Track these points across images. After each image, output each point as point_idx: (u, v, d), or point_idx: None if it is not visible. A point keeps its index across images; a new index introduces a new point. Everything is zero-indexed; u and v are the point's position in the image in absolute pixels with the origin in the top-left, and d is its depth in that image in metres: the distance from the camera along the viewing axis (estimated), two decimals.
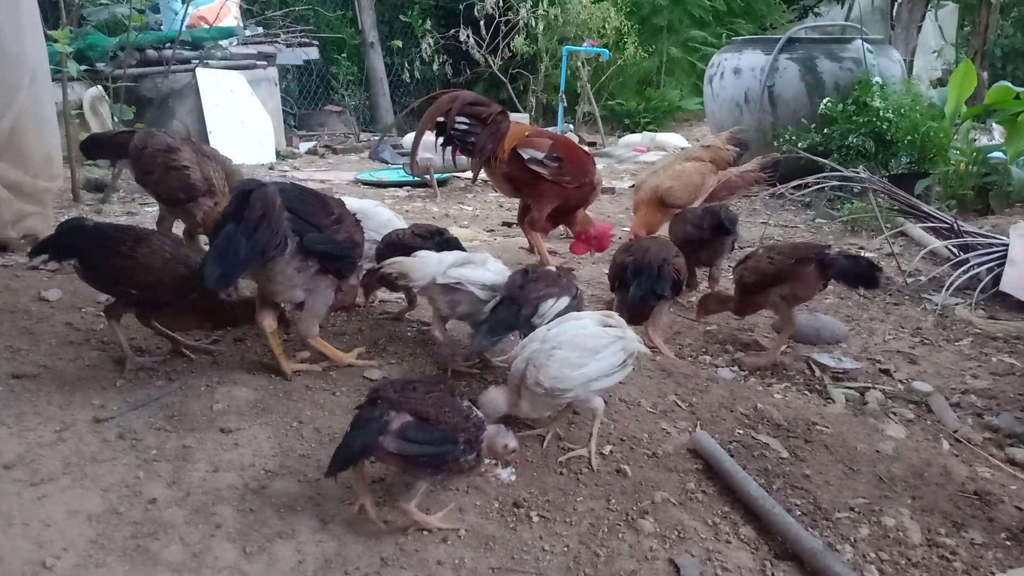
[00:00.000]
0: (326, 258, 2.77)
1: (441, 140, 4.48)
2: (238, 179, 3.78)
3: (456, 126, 4.37)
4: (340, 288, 2.95)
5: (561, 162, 4.49)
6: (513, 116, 4.77)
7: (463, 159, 4.88)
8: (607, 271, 3.92)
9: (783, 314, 3.62)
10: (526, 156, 4.44)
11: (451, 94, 4.45)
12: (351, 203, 3.39)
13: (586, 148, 10.54)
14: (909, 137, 6.89)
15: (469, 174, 7.14)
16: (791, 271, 3.50)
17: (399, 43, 12.41)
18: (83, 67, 6.84)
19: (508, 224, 6.29)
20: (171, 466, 2.33)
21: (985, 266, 4.57)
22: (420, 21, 12.32)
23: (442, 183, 7.73)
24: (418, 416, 2.10)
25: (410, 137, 8.14)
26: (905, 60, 9.86)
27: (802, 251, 3.54)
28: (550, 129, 10.26)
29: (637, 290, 3.48)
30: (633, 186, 5.39)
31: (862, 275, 3.50)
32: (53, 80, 4.77)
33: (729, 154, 5.36)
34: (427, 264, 3.07)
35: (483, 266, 3.09)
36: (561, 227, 5.34)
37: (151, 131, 3.73)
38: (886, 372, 3.65)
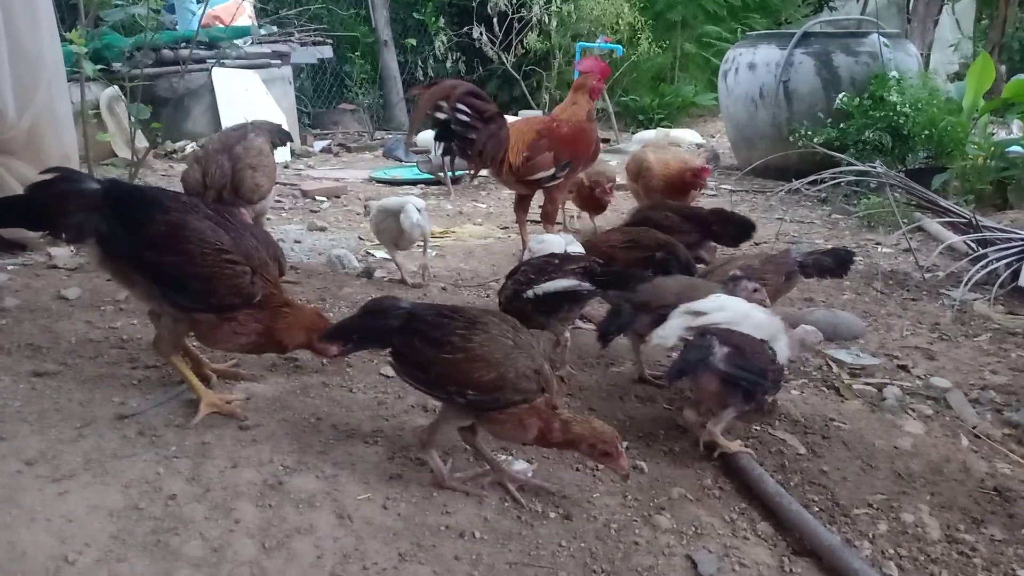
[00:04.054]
0: None
1: (442, 146, 4.29)
2: (240, 182, 3.76)
3: (458, 114, 4.12)
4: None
5: (571, 165, 4.41)
6: (526, 113, 4.71)
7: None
8: None
9: None
10: (539, 179, 4.36)
11: (452, 81, 4.28)
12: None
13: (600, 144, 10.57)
14: (926, 132, 6.84)
15: (484, 172, 7.11)
16: (784, 288, 3.51)
17: (413, 41, 12.41)
18: (99, 67, 6.89)
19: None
20: (191, 462, 2.35)
21: (1004, 261, 4.53)
22: (433, 19, 12.32)
23: (456, 180, 7.73)
24: (738, 349, 2.53)
25: (423, 136, 8.16)
26: (922, 54, 9.78)
27: (783, 265, 3.48)
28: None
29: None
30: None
31: (841, 263, 3.55)
32: (70, 81, 4.80)
33: None
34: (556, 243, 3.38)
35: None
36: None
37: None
38: (904, 368, 3.63)
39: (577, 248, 3.46)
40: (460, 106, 4.11)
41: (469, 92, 4.17)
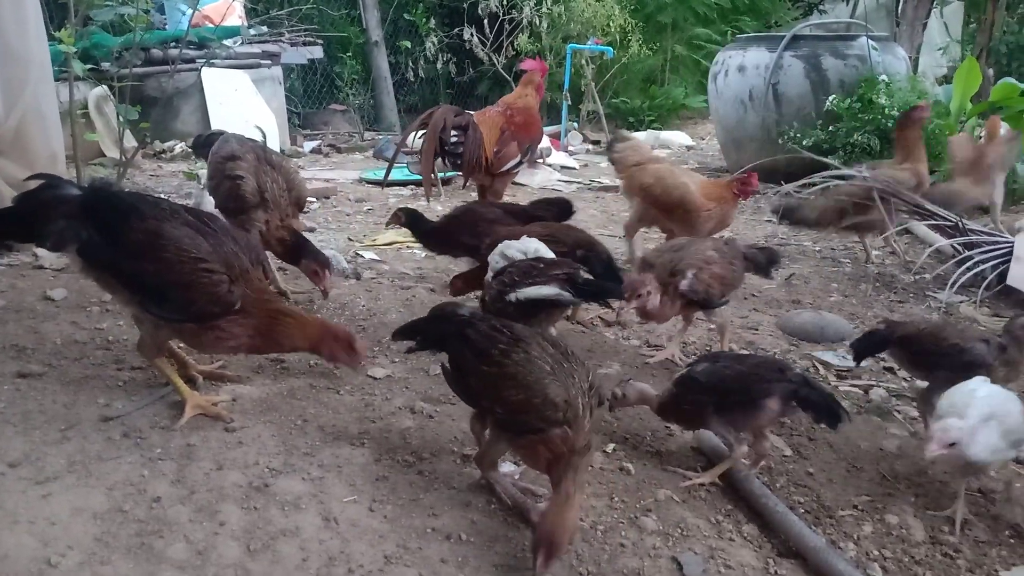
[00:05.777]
0: None
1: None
2: (300, 193, 3.75)
3: (451, 139, 4.51)
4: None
5: (530, 148, 4.70)
6: None
7: None
8: None
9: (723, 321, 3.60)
10: (508, 168, 4.63)
11: (439, 113, 4.53)
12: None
13: (589, 146, 10.60)
14: None
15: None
16: (740, 279, 3.56)
17: (407, 43, 12.38)
18: (88, 67, 6.84)
19: None
20: (175, 464, 2.34)
21: (990, 263, 4.56)
22: (424, 20, 12.30)
23: (445, 181, 7.72)
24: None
25: (417, 141, 8.14)
26: (910, 57, 9.83)
27: (739, 254, 3.51)
28: (555, 128, 10.27)
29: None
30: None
31: (772, 261, 3.64)
32: (58, 80, 4.78)
33: None
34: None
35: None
36: None
37: (228, 135, 3.75)
38: (890, 370, 3.65)
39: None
40: (452, 132, 4.46)
41: (454, 115, 4.50)
